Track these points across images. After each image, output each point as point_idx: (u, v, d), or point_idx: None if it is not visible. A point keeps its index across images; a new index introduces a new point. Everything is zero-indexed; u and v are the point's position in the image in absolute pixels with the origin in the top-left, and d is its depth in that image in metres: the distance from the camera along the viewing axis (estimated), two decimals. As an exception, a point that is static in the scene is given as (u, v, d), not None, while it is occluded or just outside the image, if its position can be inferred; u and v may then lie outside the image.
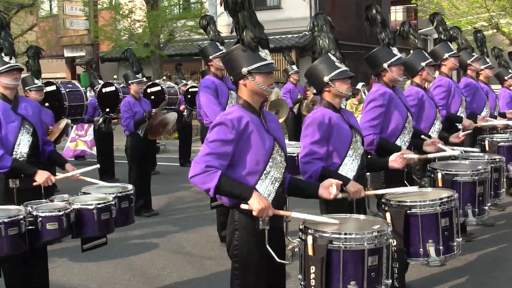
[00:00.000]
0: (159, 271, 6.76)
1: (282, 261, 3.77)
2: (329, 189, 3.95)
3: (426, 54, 6.33)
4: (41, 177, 5.05)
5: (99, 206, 4.81)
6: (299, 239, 3.75)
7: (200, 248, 7.58)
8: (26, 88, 8.01)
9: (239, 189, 3.67)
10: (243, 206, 3.66)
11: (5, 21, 5.28)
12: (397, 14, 36.85)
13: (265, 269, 3.82)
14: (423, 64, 6.13)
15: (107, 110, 11.98)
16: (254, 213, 3.62)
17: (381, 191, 4.69)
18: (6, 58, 5.10)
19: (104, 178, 12.00)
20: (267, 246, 3.70)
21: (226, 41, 7.86)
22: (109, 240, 5.60)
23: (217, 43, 7.41)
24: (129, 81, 9.29)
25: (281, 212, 3.81)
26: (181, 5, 25.45)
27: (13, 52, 5.22)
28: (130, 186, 5.41)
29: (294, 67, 13.22)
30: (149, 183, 9.56)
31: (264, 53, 3.80)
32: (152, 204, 9.70)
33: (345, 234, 3.60)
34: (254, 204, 3.60)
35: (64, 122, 8.69)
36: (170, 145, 17.67)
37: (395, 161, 4.77)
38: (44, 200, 4.99)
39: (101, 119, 12.32)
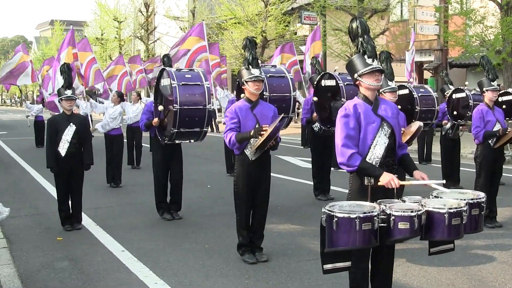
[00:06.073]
0: (500, 285, 6.56)
1: None
2: None
3: None
4: (385, 179, 5.11)
5: (451, 211, 4.77)
6: None
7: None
8: (381, 90, 8.25)
9: None
10: None
11: (368, 26, 5.47)
12: None
13: None
14: None
15: (455, 115, 11.98)
16: None
17: None
18: (369, 60, 5.19)
19: (447, 183, 12.12)
20: None
21: None
22: (452, 247, 5.61)
23: None
24: (484, 88, 9.14)
25: None
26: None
27: (376, 55, 5.28)
28: (482, 194, 5.30)
29: None
30: (495, 194, 9.36)
31: None
32: (500, 215, 9.49)
33: None
34: None
35: (416, 125, 8.80)
36: (517, 157, 16.94)
37: None
38: (397, 200, 5.08)
39: (449, 124, 12.34)
